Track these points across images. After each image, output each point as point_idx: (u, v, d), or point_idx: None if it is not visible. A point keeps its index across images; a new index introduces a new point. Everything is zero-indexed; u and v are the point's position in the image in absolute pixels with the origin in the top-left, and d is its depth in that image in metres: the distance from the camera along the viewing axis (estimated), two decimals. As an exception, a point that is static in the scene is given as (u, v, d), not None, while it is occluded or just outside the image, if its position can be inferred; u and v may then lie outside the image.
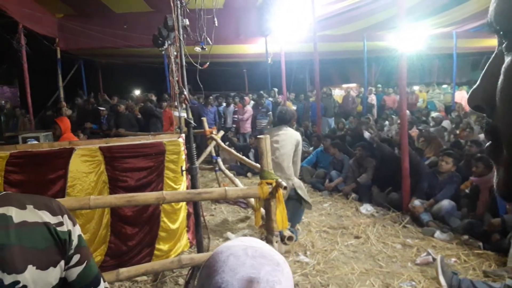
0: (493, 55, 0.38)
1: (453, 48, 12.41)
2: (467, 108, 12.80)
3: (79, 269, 1.00)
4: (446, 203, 4.85)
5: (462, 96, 13.38)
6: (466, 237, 4.40)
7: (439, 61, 18.76)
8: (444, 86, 15.15)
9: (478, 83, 0.40)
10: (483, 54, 18.49)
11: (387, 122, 10.32)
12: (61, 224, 0.96)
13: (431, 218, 4.84)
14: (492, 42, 13.71)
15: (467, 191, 5.04)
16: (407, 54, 5.46)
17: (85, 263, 1.02)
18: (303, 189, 4.65)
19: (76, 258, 1.00)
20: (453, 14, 10.50)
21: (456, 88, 13.26)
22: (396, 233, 4.73)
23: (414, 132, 8.31)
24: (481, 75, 0.40)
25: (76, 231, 1.01)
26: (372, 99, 13.81)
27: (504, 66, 0.34)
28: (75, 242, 1.00)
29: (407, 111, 10.04)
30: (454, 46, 12.31)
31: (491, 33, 0.38)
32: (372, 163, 6.26)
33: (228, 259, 0.68)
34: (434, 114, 10.89)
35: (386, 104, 13.06)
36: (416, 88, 14.83)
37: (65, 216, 0.99)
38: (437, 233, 4.53)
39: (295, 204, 4.59)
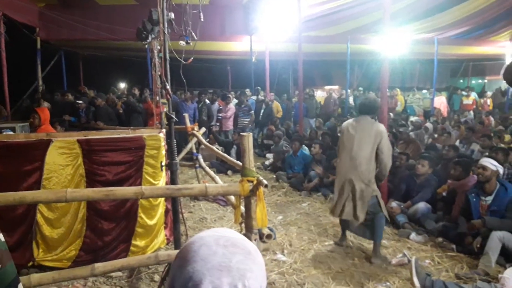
0: None
1: (434, 54, 12.63)
2: (445, 113, 13.09)
3: None
4: (422, 206, 4.94)
5: (441, 102, 13.63)
6: (440, 239, 4.50)
7: (420, 66, 19.08)
8: (424, 91, 15.41)
9: None
10: (462, 61, 18.93)
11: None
12: None
13: (407, 220, 4.93)
14: (471, 50, 14.06)
15: (444, 194, 5.14)
16: (390, 58, 5.52)
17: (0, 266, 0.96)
18: (381, 199, 4.07)
19: None
20: (435, 20, 10.71)
21: (435, 93, 13.51)
22: (373, 234, 4.79)
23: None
24: None
25: None
26: (350, 101, 14.02)
27: None
28: None
29: (390, 114, 10.28)
30: (435, 52, 12.53)
31: None
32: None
33: (200, 249, 0.68)
34: (413, 118, 11.08)
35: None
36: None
37: None
38: (413, 235, 4.61)
39: (377, 216, 3.99)
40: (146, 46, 4.61)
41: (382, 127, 3.99)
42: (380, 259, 4.00)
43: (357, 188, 3.92)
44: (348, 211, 4.00)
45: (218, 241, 0.70)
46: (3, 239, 0.98)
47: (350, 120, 4.25)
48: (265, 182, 2.56)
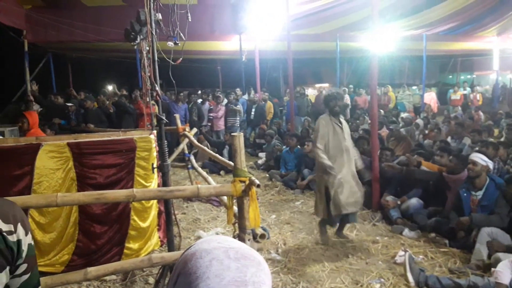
0: None
1: (423, 50, 12.71)
2: (436, 109, 13.19)
3: (24, 277, 1.02)
4: (414, 201, 4.97)
5: (431, 98, 13.74)
6: (433, 235, 4.53)
7: (409, 63, 19.22)
8: (414, 87, 15.53)
9: None
10: (450, 57, 19.09)
11: (358, 122, 10.50)
12: (11, 233, 0.96)
13: (399, 215, 4.95)
14: (459, 45, 14.17)
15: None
16: (379, 55, 5.55)
17: (30, 272, 1.03)
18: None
19: (23, 267, 1.01)
20: (423, 17, 10.78)
21: (424, 89, 13.60)
22: (366, 231, 4.81)
23: (384, 132, 8.48)
24: None
25: (28, 240, 1.01)
26: (347, 99, 14.00)
27: None
28: (25, 252, 1.00)
29: (381, 111, 10.35)
30: (424, 48, 12.62)
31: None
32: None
33: (211, 264, 0.65)
34: (404, 114, 11.15)
35: (357, 104, 13.27)
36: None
37: (18, 224, 0.99)
38: (406, 231, 4.64)
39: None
40: (135, 47, 4.57)
41: (317, 121, 4.54)
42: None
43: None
44: None
45: (229, 254, 0.66)
46: (32, 242, 1.04)
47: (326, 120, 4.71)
48: (257, 182, 2.55)
